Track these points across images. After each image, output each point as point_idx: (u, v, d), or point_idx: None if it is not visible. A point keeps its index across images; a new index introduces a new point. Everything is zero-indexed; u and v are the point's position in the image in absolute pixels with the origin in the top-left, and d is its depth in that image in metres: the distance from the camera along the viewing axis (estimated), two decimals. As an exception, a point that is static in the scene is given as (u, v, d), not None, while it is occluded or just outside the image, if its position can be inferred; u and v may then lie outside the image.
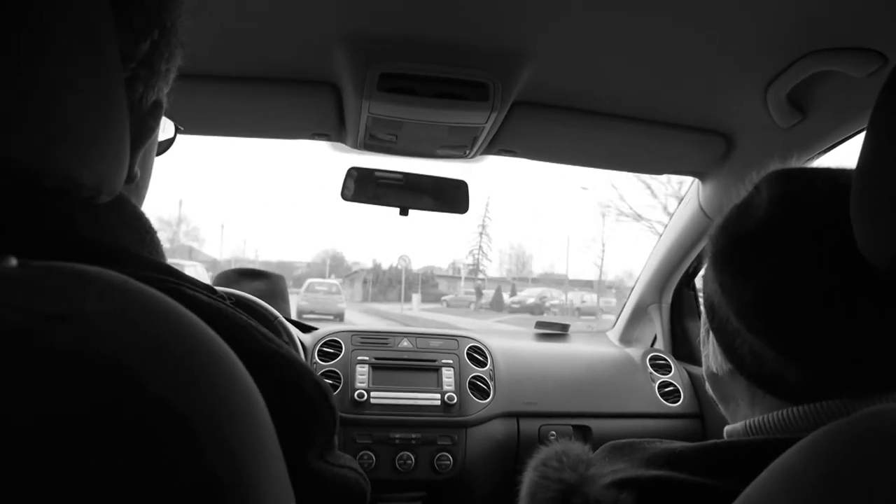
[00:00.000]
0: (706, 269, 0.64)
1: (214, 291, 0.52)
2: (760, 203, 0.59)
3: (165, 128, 0.66)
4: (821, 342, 0.53)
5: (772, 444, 0.49)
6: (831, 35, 0.93)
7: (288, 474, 0.44)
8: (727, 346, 0.62)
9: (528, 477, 0.63)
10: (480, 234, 46.10)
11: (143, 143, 0.54)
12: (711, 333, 0.65)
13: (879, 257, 0.47)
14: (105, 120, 0.44)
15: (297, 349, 1.42)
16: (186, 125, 1.28)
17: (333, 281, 25.08)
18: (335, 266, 51.46)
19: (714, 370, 0.67)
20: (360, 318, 20.44)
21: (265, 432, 0.40)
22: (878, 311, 0.51)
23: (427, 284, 42.59)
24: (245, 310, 0.52)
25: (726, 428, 0.65)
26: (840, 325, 0.52)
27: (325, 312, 20.30)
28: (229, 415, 0.35)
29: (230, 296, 1.34)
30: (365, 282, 44.31)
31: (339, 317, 20.08)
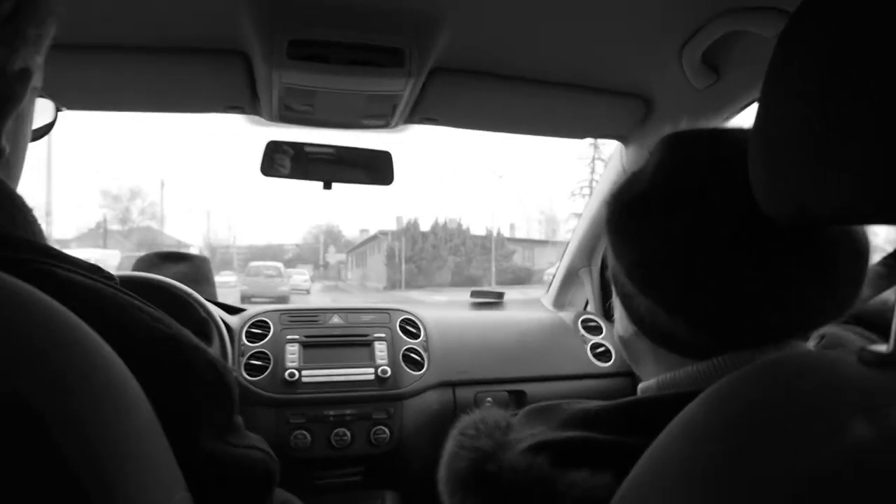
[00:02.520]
0: (605, 235, 0.65)
1: (98, 271, 0.49)
2: (647, 169, 0.61)
3: (44, 109, 0.61)
4: (706, 301, 0.54)
5: (678, 398, 0.49)
6: None
7: (175, 457, 0.43)
8: (629, 308, 0.64)
9: (447, 447, 0.63)
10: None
11: (8, 113, 0.50)
12: (617, 297, 0.66)
13: (779, 212, 0.48)
14: None
15: (216, 328, 1.37)
16: (78, 102, 1.21)
17: (275, 264, 24.17)
18: (332, 241, 45.18)
19: (622, 333, 0.68)
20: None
21: (137, 417, 0.37)
22: (764, 267, 0.52)
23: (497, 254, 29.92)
24: (152, 291, 0.50)
25: (640, 385, 0.67)
26: (724, 284, 0.53)
27: (266, 296, 19.46)
28: (91, 405, 0.33)
29: (133, 279, 1.29)
30: (392, 257, 30.35)
31: (283, 300, 19.64)
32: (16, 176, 0.55)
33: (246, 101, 1.25)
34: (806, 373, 0.42)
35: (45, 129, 0.63)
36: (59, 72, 0.56)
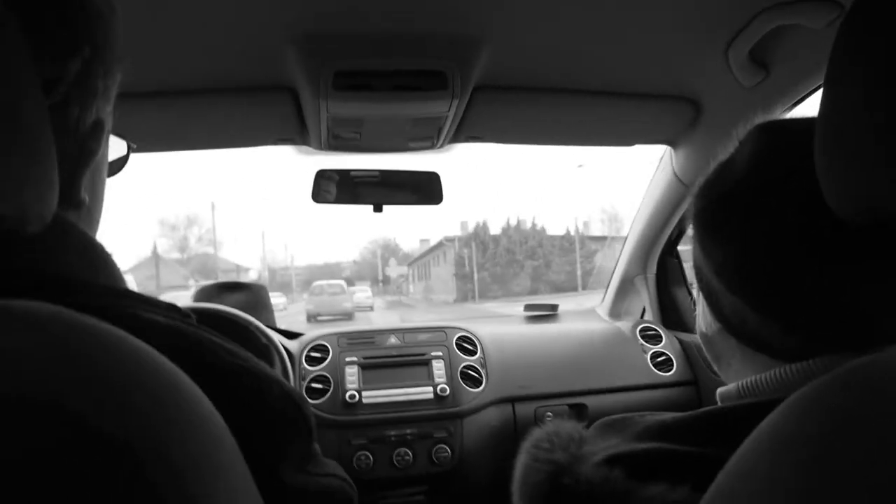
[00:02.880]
0: (692, 230, 0.63)
1: (176, 310, 0.50)
2: (740, 160, 0.58)
3: (117, 147, 0.64)
4: (797, 300, 0.52)
5: (762, 407, 0.48)
6: None
7: (258, 491, 0.44)
8: (713, 305, 0.61)
9: (520, 460, 0.62)
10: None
11: (86, 166, 0.52)
12: (700, 294, 0.64)
13: (845, 209, 0.46)
14: (20, 149, 0.42)
15: (277, 354, 1.40)
16: (145, 143, 1.27)
17: (338, 281, 24.27)
18: (390, 255, 43.62)
19: (704, 330, 0.66)
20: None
21: (224, 452, 0.38)
22: (853, 264, 0.50)
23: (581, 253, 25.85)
24: (216, 322, 0.51)
25: (719, 391, 0.64)
26: (814, 282, 0.51)
27: (332, 313, 20.13)
28: (180, 440, 0.34)
29: (197, 311, 1.33)
30: (462, 265, 26.80)
31: (348, 316, 19.93)
32: (96, 222, 0.57)
33: (296, 132, 1.29)
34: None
35: (119, 166, 0.66)
36: (120, 117, 0.59)
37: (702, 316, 0.66)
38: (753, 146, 0.58)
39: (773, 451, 0.41)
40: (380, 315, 22.69)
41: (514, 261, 26.90)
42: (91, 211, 0.56)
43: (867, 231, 0.48)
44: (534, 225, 28.19)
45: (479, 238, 28.23)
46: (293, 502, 0.51)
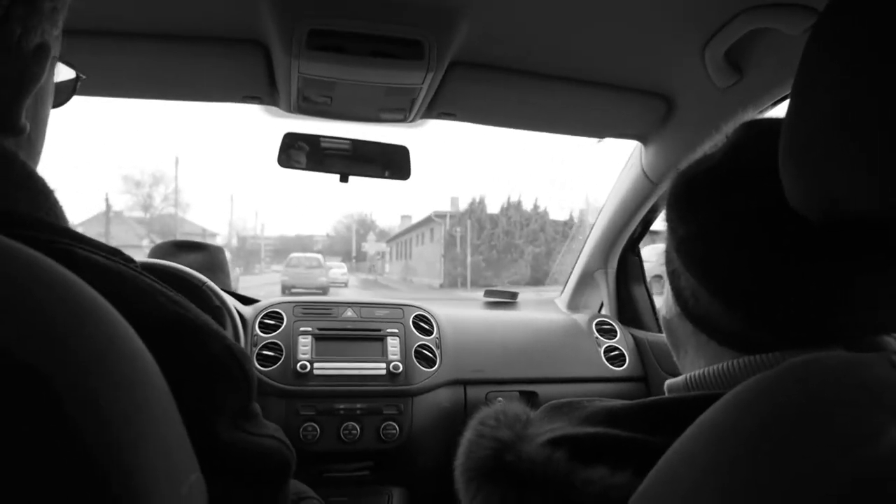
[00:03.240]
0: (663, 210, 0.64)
1: (119, 254, 0.49)
2: (722, 148, 0.59)
3: (61, 72, 0.60)
4: (750, 288, 0.53)
5: (706, 399, 0.48)
6: None
7: (190, 442, 0.42)
8: (674, 286, 0.62)
9: (466, 436, 0.62)
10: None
11: (28, 92, 0.49)
12: (666, 277, 0.65)
13: (808, 210, 0.47)
14: None
15: (230, 317, 1.37)
16: (104, 86, 1.22)
17: (315, 255, 23.96)
18: (365, 231, 41.12)
19: (665, 314, 0.67)
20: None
21: (154, 397, 0.37)
22: (811, 262, 0.50)
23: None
24: (168, 278, 0.50)
25: (667, 382, 0.65)
26: (770, 274, 0.52)
27: (307, 286, 19.87)
28: (108, 380, 0.33)
29: (148, 266, 1.30)
30: (452, 245, 23.18)
31: (323, 291, 19.68)
32: (37, 153, 0.55)
33: (264, 91, 1.25)
34: (839, 375, 0.40)
35: (66, 95, 0.62)
36: (76, 58, 0.56)
37: (665, 300, 0.67)
38: (734, 136, 0.59)
39: (711, 442, 0.42)
40: (354, 293, 21.64)
41: (512, 245, 23.43)
42: (32, 141, 0.53)
43: (827, 230, 0.49)
44: (535, 206, 24.53)
45: (474, 215, 24.08)
46: (227, 459, 0.50)
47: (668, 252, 0.63)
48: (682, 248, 0.58)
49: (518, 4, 0.99)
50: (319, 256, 23.63)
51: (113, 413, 0.32)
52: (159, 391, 0.38)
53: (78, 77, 0.62)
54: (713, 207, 0.55)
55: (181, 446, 0.41)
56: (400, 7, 0.98)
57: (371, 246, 36.38)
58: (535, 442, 0.56)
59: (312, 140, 1.39)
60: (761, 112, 1.21)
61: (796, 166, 0.47)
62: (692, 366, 0.63)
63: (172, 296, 0.48)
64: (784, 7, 0.95)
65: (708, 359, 0.60)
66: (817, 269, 0.50)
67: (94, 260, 0.44)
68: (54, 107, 0.59)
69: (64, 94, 0.62)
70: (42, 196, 0.48)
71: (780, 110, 1.21)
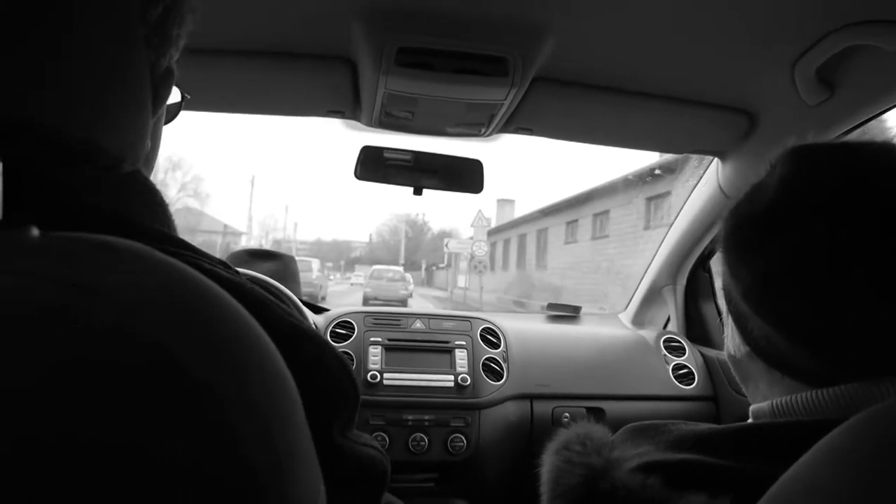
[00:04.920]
0: (719, 252, 0.63)
1: (230, 267, 0.50)
2: (770, 184, 0.58)
3: (172, 95, 0.64)
4: (831, 329, 0.52)
5: (800, 427, 0.47)
6: (864, 7, 0.90)
7: (315, 451, 0.43)
8: (741, 328, 0.61)
9: (550, 461, 0.62)
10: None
11: (156, 113, 0.52)
12: (729, 315, 0.64)
13: None
14: (126, 86, 0.42)
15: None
16: (198, 101, 1.27)
17: (398, 268, 24.50)
18: (415, 236, 36.62)
19: (733, 352, 0.66)
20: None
21: (296, 409, 0.38)
22: (886, 292, 0.49)
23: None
24: (267, 289, 0.51)
25: (752, 407, 0.64)
26: (844, 310, 0.50)
27: (388, 299, 20.07)
28: (266, 396, 0.34)
29: (249, 278, 1.33)
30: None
31: (403, 303, 19.87)
32: (152, 168, 0.58)
33: (348, 106, 1.28)
34: None
35: (173, 114, 0.66)
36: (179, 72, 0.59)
37: (730, 338, 0.66)
38: (783, 168, 0.58)
39: (831, 468, 0.41)
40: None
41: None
42: (149, 157, 0.56)
43: None
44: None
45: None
46: (342, 466, 0.51)
47: (729, 294, 0.62)
48: (750, 294, 0.56)
49: (603, 21, 0.99)
50: (400, 269, 24.24)
51: (277, 433, 0.33)
52: (298, 404, 0.40)
53: (184, 96, 0.65)
54: (776, 249, 0.54)
55: (314, 456, 0.42)
56: (487, 25, 0.99)
57: (458, 245, 22.60)
58: (625, 468, 0.55)
59: (390, 153, 1.41)
60: (848, 131, 1.18)
61: None
62: (765, 397, 0.61)
63: (285, 307, 0.50)
64: (881, 23, 0.92)
65: (783, 391, 0.59)
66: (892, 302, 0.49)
67: (218, 273, 0.46)
68: (164, 124, 0.62)
69: (172, 112, 0.65)
70: (161, 208, 0.50)
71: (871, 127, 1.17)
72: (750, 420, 0.63)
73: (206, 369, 0.31)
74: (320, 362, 0.50)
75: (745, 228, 0.58)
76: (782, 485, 0.44)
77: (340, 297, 22.56)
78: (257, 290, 0.49)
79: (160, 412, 0.28)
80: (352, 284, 30.74)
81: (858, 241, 0.50)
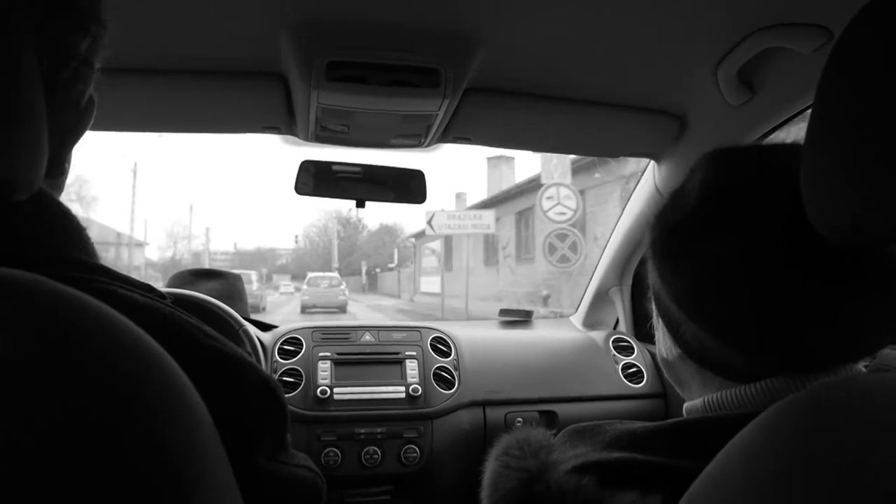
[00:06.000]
0: (648, 258, 0.64)
1: (152, 290, 0.50)
2: (692, 189, 0.59)
3: None
4: (756, 327, 0.53)
5: (731, 420, 0.49)
6: (778, 11, 0.94)
7: (234, 475, 0.43)
8: (673, 331, 0.62)
9: (490, 467, 0.62)
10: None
11: (77, 140, 0.53)
12: (660, 319, 0.65)
13: (830, 231, 0.47)
14: (14, 115, 0.41)
15: (251, 345, 1.39)
16: (129, 121, 1.24)
17: (333, 274, 24.25)
18: (349, 235, 33.61)
19: (665, 356, 0.67)
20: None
21: (204, 434, 0.38)
22: (817, 289, 0.51)
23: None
24: (193, 309, 0.51)
25: (686, 405, 0.66)
26: (774, 309, 0.52)
27: (327, 306, 20.06)
28: (163, 421, 0.34)
29: (176, 296, 1.31)
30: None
31: (342, 309, 19.92)
32: (61, 191, 0.58)
33: (283, 121, 1.27)
34: (870, 395, 0.41)
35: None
36: (100, 94, 0.58)
37: (662, 342, 0.67)
38: (702, 174, 0.59)
39: (745, 464, 0.42)
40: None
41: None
42: (62, 182, 0.56)
43: (840, 255, 0.49)
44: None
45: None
46: (265, 490, 0.51)
47: (659, 299, 0.63)
48: (681, 300, 0.58)
49: (532, 31, 1.01)
50: (336, 275, 23.95)
51: (177, 457, 0.33)
52: (208, 428, 0.39)
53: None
54: (703, 254, 0.55)
55: (229, 481, 0.42)
56: (418, 37, 1.00)
57: (468, 222, 14.34)
58: (561, 469, 0.56)
59: (328, 167, 1.40)
60: (773, 130, 1.22)
61: (819, 191, 0.47)
62: (698, 396, 0.63)
63: (208, 331, 0.50)
64: (796, 27, 0.96)
65: (714, 390, 0.60)
66: (823, 294, 0.51)
67: (133, 299, 0.45)
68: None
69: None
70: (76, 233, 0.49)
71: (790, 127, 1.22)
72: (685, 416, 0.64)
73: (93, 400, 0.30)
74: (239, 384, 0.49)
75: (670, 236, 0.59)
76: (702, 480, 0.45)
77: (277, 307, 22.00)
78: (177, 316, 0.48)
79: (44, 445, 0.27)
80: (281, 294, 29.84)
81: (778, 242, 0.52)
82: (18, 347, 0.29)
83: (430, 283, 21.34)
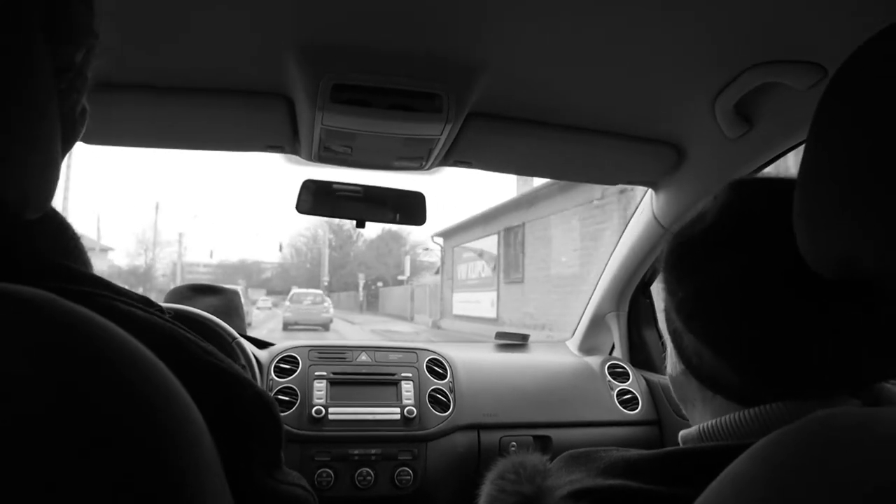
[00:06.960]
0: (659, 271, 0.66)
1: (150, 304, 0.50)
2: (711, 211, 0.61)
3: None
4: (754, 346, 0.54)
5: (724, 451, 0.49)
6: (776, 48, 0.96)
7: (230, 491, 0.43)
8: (677, 346, 0.64)
9: (486, 490, 0.62)
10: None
11: (69, 149, 0.53)
12: (668, 336, 0.66)
13: (821, 264, 0.48)
14: (31, 137, 0.42)
15: (247, 362, 1.39)
16: (135, 137, 1.26)
17: (317, 290, 23.76)
18: (341, 245, 31.16)
19: (671, 371, 0.68)
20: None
21: (204, 449, 0.38)
22: (817, 315, 0.51)
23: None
24: (188, 324, 0.51)
25: (681, 433, 0.66)
26: (775, 329, 0.53)
27: (310, 323, 19.90)
28: (167, 438, 0.34)
29: (174, 311, 1.31)
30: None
31: (325, 326, 19.77)
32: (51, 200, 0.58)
33: (287, 141, 1.29)
34: (865, 428, 0.41)
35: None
36: (107, 109, 0.59)
37: (669, 358, 0.68)
38: (726, 198, 0.61)
39: (735, 495, 0.43)
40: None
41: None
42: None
43: (830, 284, 0.50)
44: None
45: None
46: None
47: (667, 312, 0.65)
48: (682, 309, 0.59)
49: (534, 60, 1.03)
50: (320, 292, 23.61)
51: (182, 472, 0.33)
52: (208, 443, 0.40)
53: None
54: (709, 269, 0.57)
55: (226, 496, 0.42)
56: (421, 63, 1.02)
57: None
58: (556, 495, 0.56)
59: (329, 185, 1.42)
60: (771, 162, 1.24)
61: (810, 224, 0.48)
62: (701, 418, 0.63)
63: (205, 346, 0.50)
64: (792, 63, 0.98)
65: (714, 412, 0.61)
66: (817, 323, 0.51)
67: (134, 314, 0.46)
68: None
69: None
70: (72, 243, 0.50)
71: (785, 161, 1.24)
72: (679, 444, 0.65)
73: (99, 416, 0.31)
74: (236, 400, 0.50)
75: (682, 248, 0.61)
76: None
77: (262, 322, 20.93)
78: (177, 331, 0.48)
79: (51, 455, 0.28)
80: (258, 308, 28.56)
81: (779, 265, 0.53)
82: (27, 365, 0.30)
83: (467, 303, 16.01)
